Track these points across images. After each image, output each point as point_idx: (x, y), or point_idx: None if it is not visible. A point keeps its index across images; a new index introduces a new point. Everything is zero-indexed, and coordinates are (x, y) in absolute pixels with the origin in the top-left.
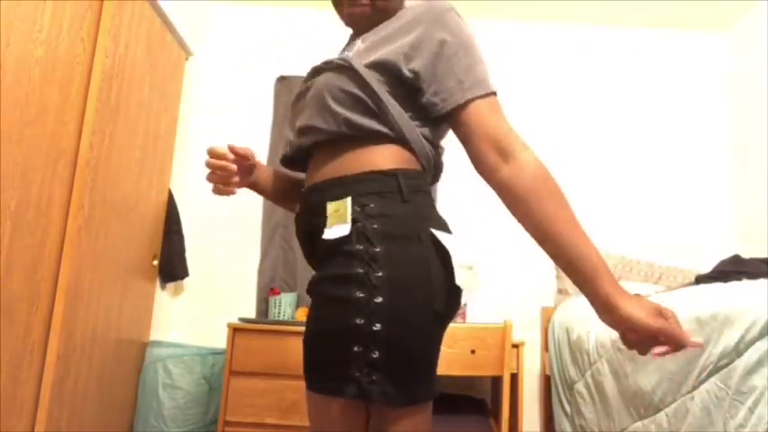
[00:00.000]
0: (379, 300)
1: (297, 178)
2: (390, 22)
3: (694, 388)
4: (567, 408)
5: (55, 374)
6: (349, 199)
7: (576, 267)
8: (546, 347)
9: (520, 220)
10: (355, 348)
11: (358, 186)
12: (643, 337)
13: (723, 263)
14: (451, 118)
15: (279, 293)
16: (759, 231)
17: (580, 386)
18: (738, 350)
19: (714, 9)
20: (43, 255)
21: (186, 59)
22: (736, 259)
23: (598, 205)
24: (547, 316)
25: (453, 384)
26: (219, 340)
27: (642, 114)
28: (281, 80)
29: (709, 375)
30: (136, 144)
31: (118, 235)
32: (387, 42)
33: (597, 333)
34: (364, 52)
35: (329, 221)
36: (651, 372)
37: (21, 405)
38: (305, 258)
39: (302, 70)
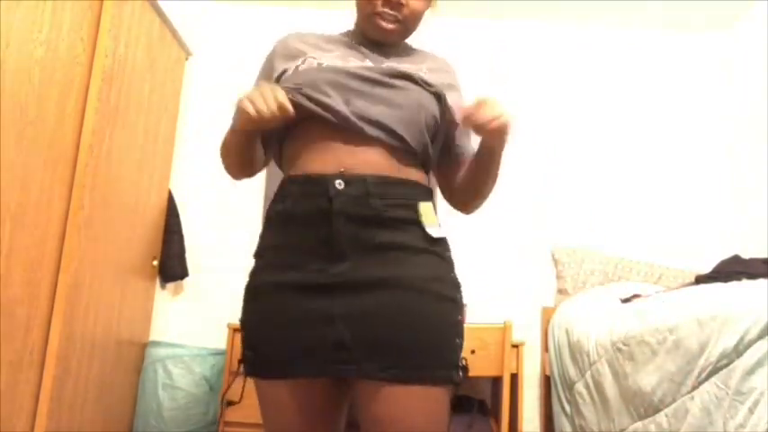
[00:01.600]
0: (461, 299)
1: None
2: (423, 54)
3: (694, 388)
4: (567, 408)
5: (55, 374)
6: (431, 203)
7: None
8: (546, 348)
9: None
10: (457, 341)
11: (423, 194)
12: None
13: (723, 263)
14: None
15: None
16: (759, 231)
17: (580, 386)
18: (738, 350)
19: (714, 9)
20: (43, 255)
21: (186, 59)
22: (736, 259)
23: (598, 205)
24: (547, 316)
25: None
26: (219, 340)
27: (642, 114)
28: None
29: (709, 376)
30: (136, 144)
31: (118, 235)
32: (442, 79)
33: (597, 333)
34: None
35: (425, 220)
36: (651, 372)
37: (21, 405)
38: (310, 237)
39: None
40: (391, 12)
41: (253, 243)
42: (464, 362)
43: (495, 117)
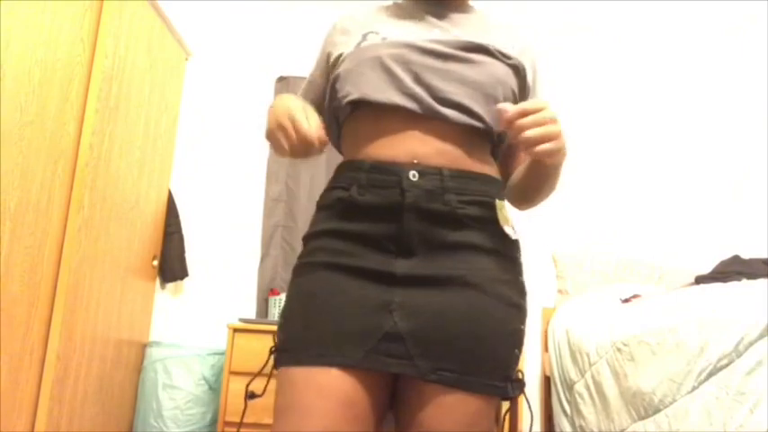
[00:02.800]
0: (526, 307)
1: None
2: (494, 21)
3: (694, 389)
4: (567, 408)
5: (55, 374)
6: (505, 201)
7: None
8: (546, 348)
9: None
10: (516, 351)
11: (499, 190)
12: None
13: (723, 263)
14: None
15: (279, 294)
16: (759, 231)
17: (580, 386)
18: (738, 351)
19: (713, 9)
20: (43, 255)
21: (186, 59)
22: (736, 259)
23: (598, 206)
24: (547, 317)
25: None
26: (219, 341)
27: (641, 115)
28: (281, 80)
29: (709, 376)
30: (136, 144)
31: (118, 235)
32: (521, 47)
33: (597, 334)
34: (500, 45)
35: (501, 220)
36: (651, 372)
37: (21, 405)
38: (369, 231)
39: (302, 70)
40: None
41: (253, 243)
42: (520, 375)
43: (544, 136)
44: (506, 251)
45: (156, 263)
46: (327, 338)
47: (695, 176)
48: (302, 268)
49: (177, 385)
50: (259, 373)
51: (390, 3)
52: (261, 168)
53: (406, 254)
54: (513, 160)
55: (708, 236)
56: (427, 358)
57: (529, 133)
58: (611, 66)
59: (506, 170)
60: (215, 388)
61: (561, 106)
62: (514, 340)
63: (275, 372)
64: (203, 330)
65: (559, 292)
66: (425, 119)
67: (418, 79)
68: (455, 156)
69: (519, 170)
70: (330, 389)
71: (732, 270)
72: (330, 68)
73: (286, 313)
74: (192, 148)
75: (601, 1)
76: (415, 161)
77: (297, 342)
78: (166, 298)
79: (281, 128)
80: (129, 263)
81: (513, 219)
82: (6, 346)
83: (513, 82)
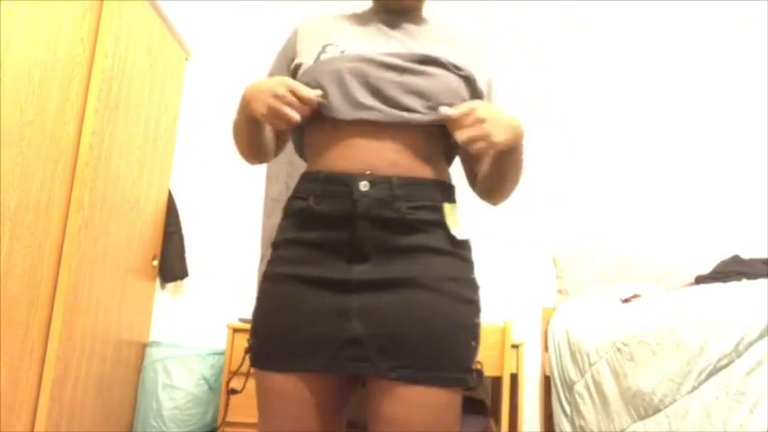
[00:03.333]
0: (479, 302)
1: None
2: (449, 31)
3: (694, 389)
4: (567, 408)
5: (55, 374)
6: (455, 204)
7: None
8: (546, 348)
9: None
10: (473, 344)
11: (448, 193)
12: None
13: (723, 263)
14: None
15: None
16: (759, 231)
17: (580, 387)
18: (738, 351)
19: (713, 9)
20: (43, 255)
21: (186, 59)
22: (736, 259)
23: (598, 206)
24: (547, 317)
25: None
26: (219, 341)
27: (641, 115)
28: None
29: (709, 376)
30: (136, 144)
31: (118, 235)
32: (472, 57)
33: (597, 334)
34: (454, 57)
35: (450, 222)
36: (651, 372)
37: (21, 405)
38: (325, 239)
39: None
40: None
41: (253, 243)
42: (479, 365)
43: (475, 137)
44: (457, 251)
45: (155, 263)
46: (294, 347)
47: (695, 176)
48: (269, 278)
49: (177, 385)
50: (236, 372)
51: (350, 12)
52: (261, 168)
53: (362, 259)
54: (476, 160)
55: (707, 236)
56: (387, 358)
57: (461, 136)
58: (611, 66)
59: (472, 170)
60: (215, 388)
61: (562, 108)
62: (470, 334)
63: (253, 370)
64: (203, 330)
65: (559, 292)
66: (381, 130)
67: (377, 93)
68: (407, 164)
69: (484, 166)
70: (301, 393)
71: (732, 270)
72: (291, 74)
73: (257, 319)
74: (192, 148)
75: (600, 1)
76: (368, 172)
77: (269, 349)
78: (166, 298)
79: (278, 96)
80: (129, 263)
81: (465, 219)
82: (6, 346)
83: (465, 92)
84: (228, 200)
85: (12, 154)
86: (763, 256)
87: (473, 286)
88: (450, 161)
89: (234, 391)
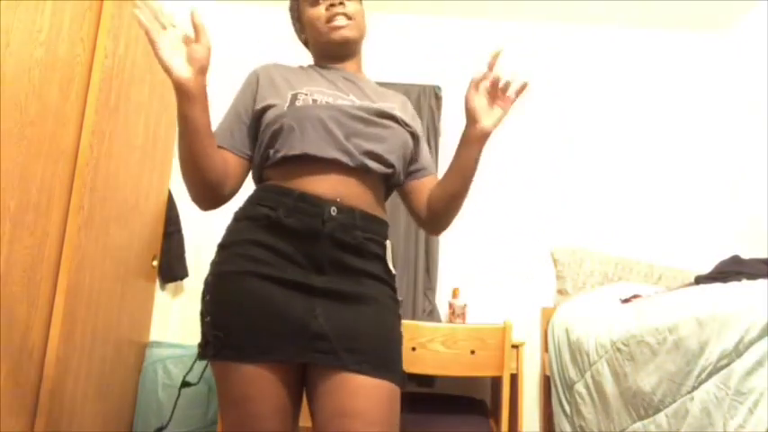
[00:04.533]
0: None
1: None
2: (385, 90)
3: (694, 388)
4: (567, 408)
5: (55, 374)
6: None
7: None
8: (546, 348)
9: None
10: (401, 349)
11: (387, 231)
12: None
13: (723, 263)
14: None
15: None
16: (759, 231)
17: (580, 387)
18: (738, 351)
19: (714, 9)
20: (43, 255)
21: None
22: (735, 259)
23: (598, 206)
24: (547, 316)
25: (453, 385)
26: None
27: (641, 115)
28: None
29: (709, 376)
30: (136, 144)
31: (118, 235)
32: (404, 114)
33: (597, 334)
34: (398, 113)
35: (388, 257)
36: (651, 372)
37: (21, 405)
38: (297, 252)
39: None
40: (338, 10)
41: None
42: (403, 372)
43: (510, 98)
44: (390, 280)
45: (155, 263)
46: (267, 338)
47: (694, 176)
48: (229, 276)
49: (177, 385)
50: (191, 367)
51: (299, 66)
52: None
53: (319, 271)
54: (419, 193)
55: (707, 236)
56: (349, 352)
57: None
58: (611, 65)
59: (415, 203)
60: (215, 388)
61: (562, 108)
62: (400, 340)
63: (210, 363)
64: None
65: (559, 292)
66: (351, 169)
67: (348, 138)
68: (367, 200)
69: (436, 189)
70: (276, 380)
71: (732, 270)
72: (258, 113)
73: (222, 313)
74: None
75: (600, 1)
76: (338, 199)
77: (238, 341)
78: (166, 298)
79: (153, 44)
80: (129, 263)
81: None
82: (6, 346)
83: (411, 144)
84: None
85: (12, 154)
86: (763, 256)
87: (399, 305)
88: (386, 197)
89: (188, 384)
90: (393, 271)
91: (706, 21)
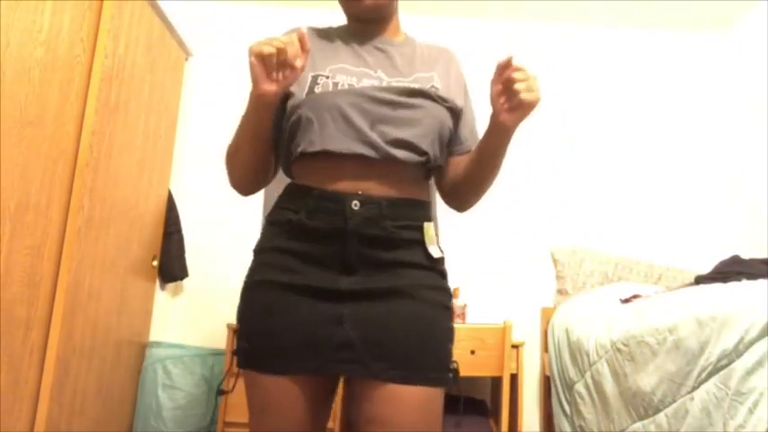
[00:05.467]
0: (453, 307)
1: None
2: (424, 52)
3: (694, 388)
4: (567, 408)
5: (55, 374)
6: (432, 223)
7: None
8: (546, 348)
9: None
10: (449, 345)
11: (427, 212)
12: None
13: (723, 263)
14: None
15: None
16: (759, 231)
17: (580, 387)
18: (738, 351)
19: (713, 9)
20: (43, 255)
21: (186, 59)
22: (735, 259)
23: (598, 206)
24: (547, 317)
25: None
26: (219, 341)
27: (641, 115)
28: None
29: (709, 376)
30: (136, 144)
31: (118, 235)
32: (446, 80)
33: (597, 334)
34: (439, 85)
35: (428, 241)
36: (651, 372)
37: (21, 405)
38: (318, 252)
39: None
40: None
41: (253, 244)
42: (455, 365)
43: (530, 89)
44: (433, 265)
45: (155, 263)
46: (288, 350)
47: (694, 176)
48: (257, 284)
49: (177, 385)
50: (237, 374)
51: (327, 31)
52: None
53: (349, 271)
54: (456, 163)
55: (707, 236)
56: (377, 360)
57: (519, 85)
58: (611, 65)
59: (443, 178)
60: (214, 389)
61: (562, 108)
62: (447, 336)
63: (242, 371)
64: (203, 330)
65: (559, 292)
66: (373, 157)
67: (373, 126)
68: (394, 187)
69: (462, 167)
70: (295, 395)
71: (732, 270)
72: (281, 100)
73: (248, 322)
74: (191, 149)
75: (598, 1)
76: (359, 192)
77: (262, 352)
78: (166, 298)
79: (262, 57)
80: (128, 263)
81: (439, 237)
82: (6, 346)
83: (449, 122)
84: (228, 200)
85: (12, 154)
86: (763, 256)
87: (448, 294)
88: (429, 178)
89: (223, 392)
90: (438, 253)
91: (706, 21)
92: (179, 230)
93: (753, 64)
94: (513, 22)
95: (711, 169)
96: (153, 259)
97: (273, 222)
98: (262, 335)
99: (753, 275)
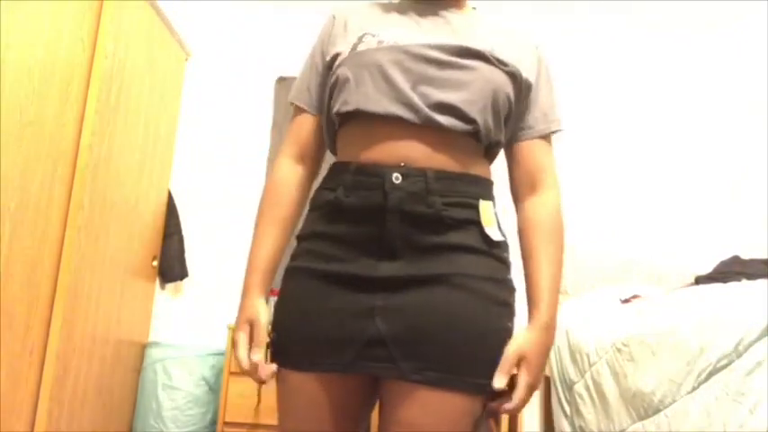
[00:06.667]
0: (514, 304)
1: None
2: (488, 20)
3: (694, 389)
4: (567, 409)
5: (55, 374)
6: (491, 202)
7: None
8: None
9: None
10: (499, 351)
11: (485, 190)
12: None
13: (723, 263)
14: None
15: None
16: (759, 231)
17: (580, 387)
18: (738, 351)
19: (713, 9)
20: (43, 255)
21: (186, 59)
22: (735, 260)
23: (599, 205)
24: None
25: None
26: (219, 341)
27: (641, 115)
28: (281, 81)
29: (709, 376)
30: (136, 144)
31: (118, 235)
32: (515, 52)
33: (597, 334)
34: (495, 48)
35: (485, 221)
36: (651, 373)
37: (20, 405)
38: (354, 235)
39: None
40: None
41: None
42: (514, 370)
43: (525, 401)
44: (491, 251)
45: (155, 263)
46: (317, 346)
47: (694, 176)
48: (293, 273)
49: (177, 386)
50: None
51: (386, 1)
52: (261, 168)
53: (390, 256)
54: (514, 162)
55: (707, 236)
56: (410, 359)
57: (510, 405)
58: (611, 65)
59: (512, 175)
60: (215, 389)
61: (561, 106)
62: (502, 337)
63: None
64: (203, 330)
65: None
66: (416, 124)
67: (415, 87)
68: (443, 158)
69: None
70: (322, 394)
71: (732, 270)
72: (328, 63)
73: (280, 313)
74: (192, 149)
75: (600, 2)
76: (402, 164)
77: (289, 346)
78: (166, 298)
79: (235, 343)
80: (128, 263)
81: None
82: (6, 346)
83: (509, 89)
84: (228, 200)
85: (12, 154)
86: (763, 256)
87: (510, 288)
88: (491, 159)
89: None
90: (499, 236)
91: (706, 21)
92: (179, 231)
93: (753, 64)
94: (513, 22)
95: (712, 169)
96: (153, 259)
97: (313, 207)
98: (289, 328)
99: (753, 276)
